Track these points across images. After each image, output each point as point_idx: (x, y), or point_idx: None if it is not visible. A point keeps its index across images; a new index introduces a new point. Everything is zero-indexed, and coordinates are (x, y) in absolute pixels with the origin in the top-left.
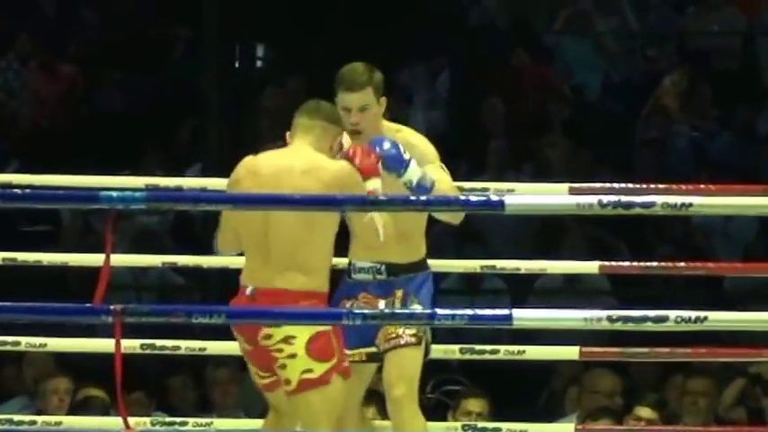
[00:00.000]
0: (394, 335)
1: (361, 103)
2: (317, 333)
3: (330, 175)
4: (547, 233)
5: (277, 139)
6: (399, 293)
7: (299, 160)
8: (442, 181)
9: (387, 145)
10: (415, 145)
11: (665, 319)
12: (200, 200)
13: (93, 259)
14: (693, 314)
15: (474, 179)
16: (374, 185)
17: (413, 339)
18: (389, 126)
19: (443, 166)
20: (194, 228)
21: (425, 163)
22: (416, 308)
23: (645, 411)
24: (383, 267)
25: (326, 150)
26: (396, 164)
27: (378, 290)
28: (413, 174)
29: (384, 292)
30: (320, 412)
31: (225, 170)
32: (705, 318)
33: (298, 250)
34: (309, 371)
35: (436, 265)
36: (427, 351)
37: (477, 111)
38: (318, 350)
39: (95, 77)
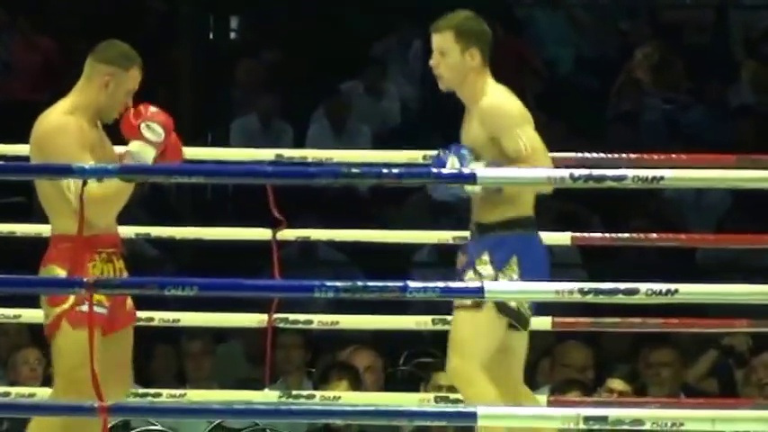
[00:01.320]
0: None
1: (437, 45)
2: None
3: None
4: None
5: (250, 110)
6: (465, 257)
7: None
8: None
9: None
10: (491, 116)
11: (635, 291)
12: (173, 172)
13: None
14: (664, 287)
15: None
16: (133, 147)
17: (466, 302)
18: (483, 88)
19: (521, 132)
20: (168, 200)
21: (500, 134)
22: (483, 268)
23: (617, 383)
24: (474, 226)
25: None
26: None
27: (470, 248)
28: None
29: (474, 250)
30: (62, 355)
31: (199, 141)
32: (676, 290)
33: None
34: (46, 317)
35: (410, 237)
36: (509, 312)
37: None
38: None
39: (72, 49)
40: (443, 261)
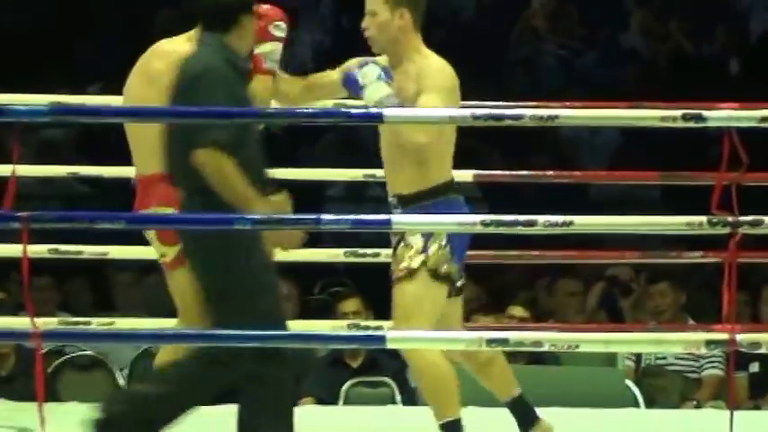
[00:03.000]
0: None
1: (368, 7)
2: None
3: None
4: None
5: None
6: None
7: None
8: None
9: (358, 70)
10: (423, 76)
11: (534, 223)
12: (101, 113)
13: (1, 170)
14: (561, 218)
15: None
16: (266, 48)
17: (401, 273)
18: (417, 50)
19: (439, 95)
20: (97, 140)
21: (421, 92)
22: (413, 238)
23: (517, 310)
24: (395, 199)
25: None
26: (352, 87)
27: None
28: (370, 97)
29: None
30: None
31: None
32: (571, 222)
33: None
34: (163, 255)
35: (324, 174)
36: (442, 277)
37: (358, 32)
38: (164, 234)
39: None
40: (354, 197)
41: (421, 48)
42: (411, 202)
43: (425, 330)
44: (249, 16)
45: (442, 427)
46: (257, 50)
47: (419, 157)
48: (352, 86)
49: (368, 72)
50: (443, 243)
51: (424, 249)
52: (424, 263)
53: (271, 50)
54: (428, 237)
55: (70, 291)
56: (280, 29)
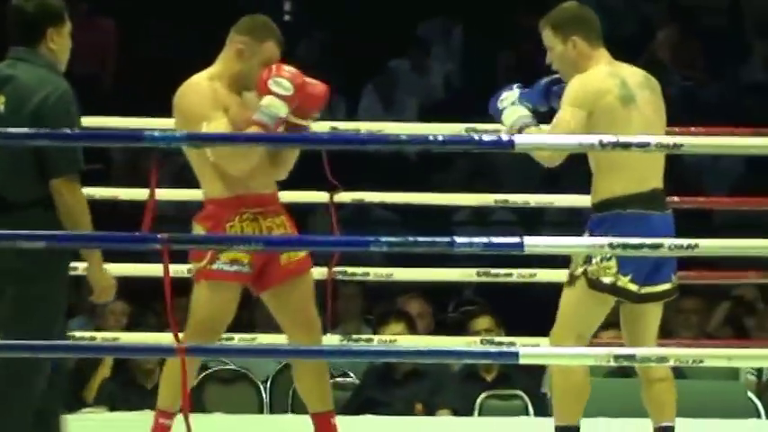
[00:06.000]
0: None
1: (545, 43)
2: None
3: None
4: (550, 170)
5: None
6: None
7: None
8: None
9: (498, 99)
10: (570, 87)
11: (660, 246)
12: (237, 139)
13: (140, 193)
14: (686, 241)
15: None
16: (263, 102)
17: (567, 278)
18: (586, 66)
19: (570, 109)
20: None
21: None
22: None
23: None
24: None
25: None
26: (494, 113)
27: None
28: (506, 121)
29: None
30: (194, 306)
31: None
32: (696, 245)
33: None
34: (190, 271)
35: (453, 199)
36: (601, 287)
37: (492, 64)
38: (191, 253)
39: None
40: (479, 221)
41: (595, 64)
42: (593, 211)
43: (570, 338)
44: (57, 29)
45: (557, 429)
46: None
47: (595, 167)
48: (495, 112)
49: (506, 97)
50: (608, 256)
51: (589, 259)
52: (585, 272)
53: (267, 104)
54: None
55: None
56: (281, 86)
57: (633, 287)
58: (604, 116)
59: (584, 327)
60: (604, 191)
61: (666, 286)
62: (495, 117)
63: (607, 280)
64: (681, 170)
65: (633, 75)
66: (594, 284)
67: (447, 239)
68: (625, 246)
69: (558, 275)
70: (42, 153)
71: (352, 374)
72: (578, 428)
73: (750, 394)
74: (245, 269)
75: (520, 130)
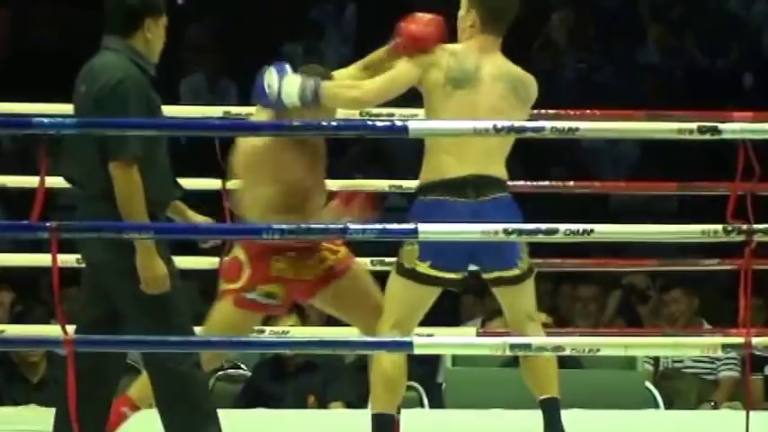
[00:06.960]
0: None
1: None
2: (233, 256)
3: None
4: None
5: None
6: None
7: None
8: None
9: (263, 78)
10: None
11: (555, 231)
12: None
13: (30, 181)
14: (581, 227)
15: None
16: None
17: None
18: (463, 40)
19: (408, 62)
20: None
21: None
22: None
23: (540, 316)
24: None
25: None
26: (260, 97)
27: None
28: (289, 98)
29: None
30: (211, 320)
31: None
32: (592, 230)
33: None
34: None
35: (348, 184)
36: (404, 272)
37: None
38: (225, 271)
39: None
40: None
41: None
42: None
43: (387, 325)
44: (155, 19)
45: (373, 417)
46: None
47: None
48: (262, 97)
49: (269, 78)
50: (412, 242)
51: (401, 246)
52: (398, 258)
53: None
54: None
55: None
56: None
57: (433, 272)
58: (427, 89)
59: (403, 313)
60: (421, 176)
61: (514, 272)
62: (274, 106)
63: (408, 265)
64: (577, 154)
65: (493, 67)
66: (400, 270)
67: (340, 226)
68: (521, 231)
69: None
70: (101, 141)
71: (243, 367)
72: (392, 417)
73: (647, 384)
74: (276, 302)
75: (316, 93)
